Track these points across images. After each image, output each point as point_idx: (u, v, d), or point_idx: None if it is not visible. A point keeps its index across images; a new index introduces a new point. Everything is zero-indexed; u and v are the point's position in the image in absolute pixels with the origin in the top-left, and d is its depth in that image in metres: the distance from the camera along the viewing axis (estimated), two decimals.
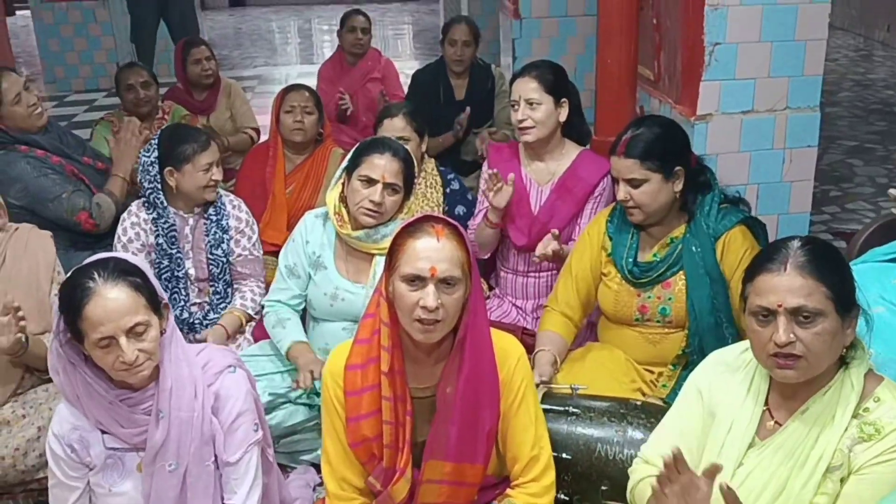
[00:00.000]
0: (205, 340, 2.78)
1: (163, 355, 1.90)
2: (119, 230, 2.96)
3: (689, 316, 2.47)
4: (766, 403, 1.79)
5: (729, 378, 1.84)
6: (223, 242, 2.99)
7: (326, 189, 3.51)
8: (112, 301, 1.81)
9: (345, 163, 2.70)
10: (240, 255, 3.03)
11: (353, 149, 2.71)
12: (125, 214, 3.00)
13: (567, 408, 2.22)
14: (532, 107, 2.92)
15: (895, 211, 2.59)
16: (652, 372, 2.57)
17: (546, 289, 3.08)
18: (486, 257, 3.16)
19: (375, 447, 1.95)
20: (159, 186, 2.92)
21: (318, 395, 2.51)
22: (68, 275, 1.90)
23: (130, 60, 4.79)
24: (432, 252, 1.83)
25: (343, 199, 2.67)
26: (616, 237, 2.57)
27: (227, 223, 3.01)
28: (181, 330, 2.19)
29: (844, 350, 1.71)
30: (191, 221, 2.98)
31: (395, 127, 3.28)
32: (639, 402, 2.28)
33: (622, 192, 2.46)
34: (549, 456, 2.01)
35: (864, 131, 6.49)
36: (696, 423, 1.86)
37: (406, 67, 6.16)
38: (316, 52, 11.18)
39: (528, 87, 2.93)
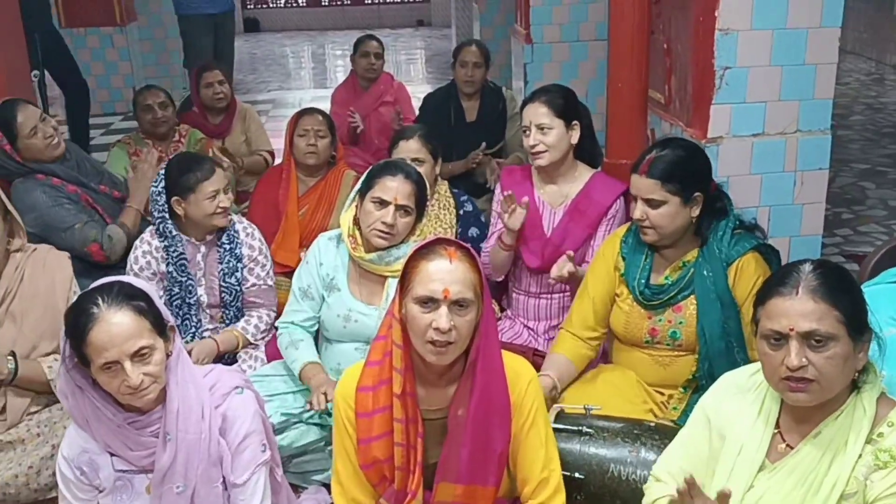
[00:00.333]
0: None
1: (169, 378, 1.91)
2: (131, 258, 2.98)
3: (699, 340, 2.46)
4: (777, 426, 1.78)
5: (739, 400, 1.84)
6: (237, 271, 3.00)
7: (339, 211, 3.55)
8: (116, 326, 1.82)
9: (358, 185, 2.72)
10: (253, 285, 3.04)
11: (366, 172, 2.73)
12: (137, 242, 3.02)
13: (580, 428, 2.22)
14: (543, 131, 2.94)
15: None
16: (662, 394, 2.56)
17: (558, 310, 3.08)
18: (499, 280, 3.17)
19: (387, 469, 1.95)
20: (167, 216, 2.94)
21: (330, 415, 2.52)
22: (73, 301, 1.93)
23: (148, 84, 4.87)
24: (445, 274, 1.84)
25: (356, 221, 2.69)
26: (630, 258, 2.57)
27: (241, 251, 3.02)
28: None
29: (857, 374, 1.70)
30: (203, 249, 2.99)
31: (410, 149, 3.30)
32: (652, 424, 2.27)
33: (639, 211, 2.45)
34: (559, 478, 2.01)
35: (876, 154, 6.48)
36: (705, 444, 1.86)
37: (418, 92, 6.20)
38: (329, 76, 11.28)
39: (539, 112, 2.95)
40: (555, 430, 2.12)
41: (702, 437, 1.87)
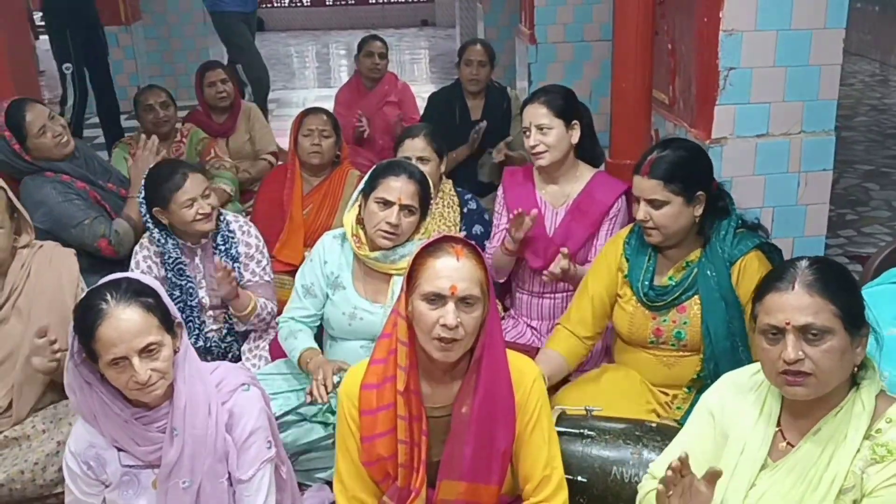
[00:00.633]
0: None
1: (177, 374, 1.93)
2: (133, 263, 2.99)
3: (704, 340, 2.46)
4: (779, 424, 1.79)
5: (741, 399, 1.85)
6: (234, 271, 2.98)
7: (343, 210, 3.55)
8: (124, 322, 1.84)
9: (361, 185, 2.73)
10: (249, 281, 3.03)
11: (370, 172, 2.74)
12: (137, 247, 3.03)
13: (582, 430, 2.22)
14: (543, 132, 2.94)
15: None
16: (667, 394, 2.56)
17: (561, 310, 3.08)
18: (502, 281, 3.17)
19: (390, 466, 1.95)
20: (151, 225, 2.95)
21: (333, 413, 2.53)
22: (82, 297, 1.94)
23: (150, 83, 4.88)
24: (452, 271, 1.85)
25: (360, 220, 2.70)
26: (633, 259, 2.57)
27: (237, 250, 3.02)
28: None
29: (855, 369, 1.72)
30: (199, 252, 2.99)
31: (416, 147, 3.31)
32: (654, 424, 2.28)
33: (642, 212, 2.46)
34: (560, 476, 2.01)
35: (880, 155, 6.47)
36: (707, 443, 1.87)
37: (422, 92, 6.21)
38: (333, 76, 11.27)
39: (538, 113, 2.96)
40: (557, 432, 2.12)
41: (705, 435, 1.88)
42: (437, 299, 1.85)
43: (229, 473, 1.98)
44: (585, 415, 2.29)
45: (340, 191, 3.73)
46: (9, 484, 2.43)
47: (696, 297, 2.47)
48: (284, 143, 4.97)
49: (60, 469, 2.39)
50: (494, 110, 4.52)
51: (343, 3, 15.01)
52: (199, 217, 2.89)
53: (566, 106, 2.99)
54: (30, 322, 2.55)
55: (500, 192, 3.22)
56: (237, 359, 3.06)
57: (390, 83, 5.09)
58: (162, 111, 4.31)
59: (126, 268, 3.03)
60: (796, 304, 1.66)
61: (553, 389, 2.55)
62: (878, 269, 2.56)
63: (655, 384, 2.57)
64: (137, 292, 1.88)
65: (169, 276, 2.95)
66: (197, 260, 2.99)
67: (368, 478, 1.98)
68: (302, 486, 2.65)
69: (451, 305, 1.84)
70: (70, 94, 5.79)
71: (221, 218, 3.03)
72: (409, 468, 1.94)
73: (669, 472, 1.67)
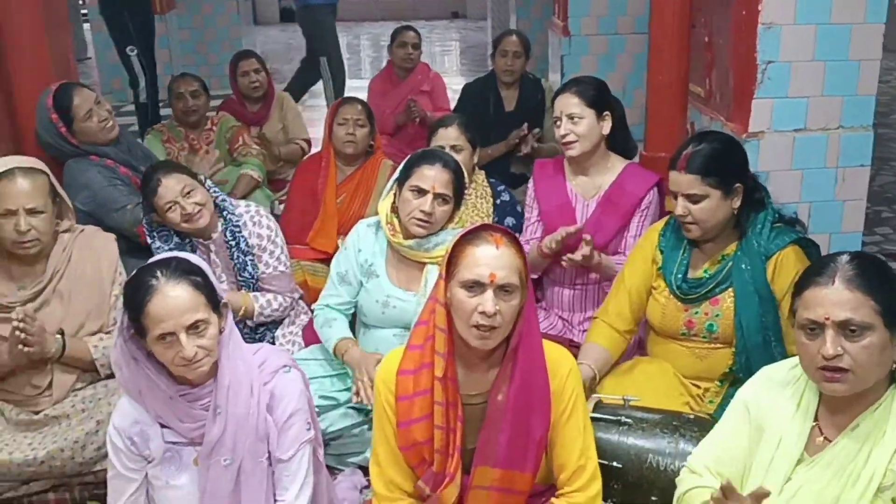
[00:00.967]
0: None
1: (221, 353, 1.96)
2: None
3: (736, 333, 2.46)
4: (816, 419, 1.78)
5: (778, 393, 1.84)
6: (247, 265, 3.00)
7: (376, 199, 3.58)
8: (173, 299, 1.87)
9: (396, 174, 2.75)
10: (264, 273, 3.04)
11: (405, 160, 2.76)
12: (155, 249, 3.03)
13: (619, 418, 2.23)
14: (574, 121, 2.94)
15: None
16: (699, 387, 2.56)
17: (593, 301, 3.09)
18: (535, 277, 3.18)
19: (426, 451, 1.97)
20: (158, 228, 2.98)
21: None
22: (133, 273, 1.97)
23: (183, 72, 4.93)
24: (492, 259, 1.87)
25: (394, 209, 2.72)
26: (667, 252, 2.57)
27: (249, 243, 3.00)
28: None
29: (894, 366, 1.71)
30: (213, 247, 3.00)
31: (449, 136, 3.33)
32: (692, 416, 2.28)
33: (680, 207, 2.45)
34: (595, 466, 2.02)
35: None
36: (743, 437, 1.87)
37: (453, 83, 6.21)
38: (363, 67, 11.29)
39: (570, 103, 2.95)
40: (593, 419, 2.14)
41: (740, 430, 1.87)
42: (475, 287, 1.86)
43: (269, 453, 2.01)
44: (622, 404, 2.30)
45: (373, 180, 3.75)
46: (49, 461, 2.48)
47: (729, 290, 2.47)
48: (314, 133, 5.03)
49: (99, 447, 2.46)
50: (528, 102, 4.52)
51: None
52: (185, 218, 2.87)
53: (598, 96, 2.99)
54: (70, 305, 2.60)
55: (530, 184, 3.23)
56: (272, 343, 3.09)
57: (423, 73, 5.14)
58: (192, 100, 4.36)
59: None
60: (836, 299, 1.66)
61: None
62: None
63: (687, 377, 2.57)
64: (186, 271, 1.92)
65: None
66: (212, 255, 2.99)
67: (404, 462, 2.00)
68: (334, 471, 2.69)
69: (489, 293, 1.85)
70: (140, 76, 5.81)
71: (226, 211, 2.99)
72: (445, 454, 1.96)
73: (716, 493, 1.67)
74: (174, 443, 2.00)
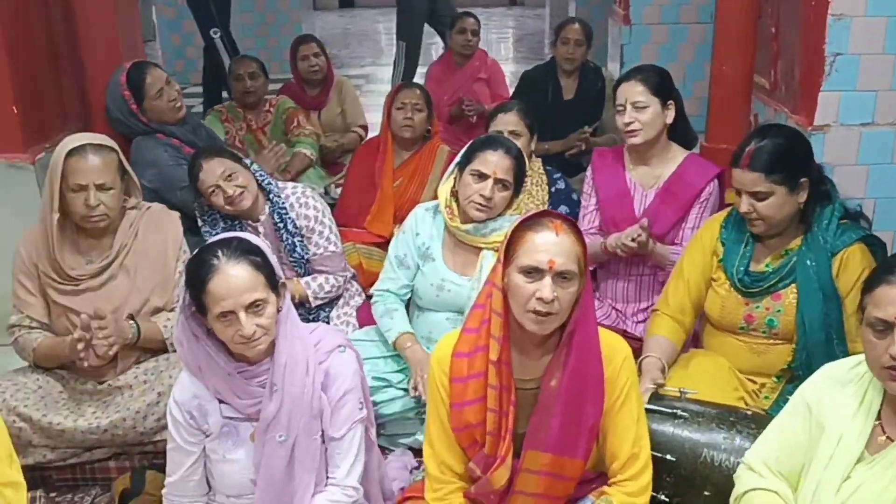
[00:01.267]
0: None
1: (278, 332, 2.00)
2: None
3: (797, 330, 2.42)
4: (879, 418, 1.75)
5: (839, 391, 1.81)
6: (296, 247, 3.04)
7: (432, 184, 3.60)
8: (234, 278, 1.91)
9: (458, 158, 2.76)
10: (315, 254, 3.08)
11: (467, 145, 2.77)
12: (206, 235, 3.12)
13: (675, 410, 2.21)
14: (638, 109, 2.92)
15: None
16: (755, 382, 2.52)
17: (647, 292, 3.07)
18: (592, 268, 3.17)
19: (478, 434, 1.99)
20: (207, 212, 3.08)
21: None
22: (195, 252, 2.02)
23: (243, 55, 4.99)
24: (551, 245, 1.87)
25: (454, 193, 2.73)
26: (729, 244, 2.54)
27: (297, 224, 3.04)
28: None
29: None
30: (261, 229, 3.04)
31: (508, 122, 3.34)
32: (749, 412, 2.25)
33: (745, 204, 2.41)
34: (647, 456, 2.01)
35: None
36: (802, 435, 1.84)
37: (508, 71, 6.19)
38: (420, 52, 11.31)
39: (635, 91, 2.93)
40: (648, 410, 2.12)
41: (800, 426, 1.85)
42: (534, 272, 1.86)
43: (323, 431, 2.04)
44: (679, 396, 2.28)
45: (430, 165, 3.77)
46: (111, 429, 2.56)
47: (792, 285, 2.42)
48: (372, 118, 5.06)
49: (160, 419, 2.53)
50: (588, 90, 4.49)
51: None
52: (227, 201, 2.95)
53: (662, 84, 2.95)
54: (136, 280, 2.67)
55: (588, 172, 3.21)
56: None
57: (481, 60, 5.12)
58: (249, 81, 4.42)
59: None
60: None
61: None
62: None
63: (743, 371, 2.53)
64: (247, 251, 1.96)
65: None
66: (261, 237, 3.01)
67: (457, 444, 2.02)
68: (385, 451, 2.73)
69: (548, 279, 1.85)
70: (225, 57, 5.86)
71: (272, 193, 3.04)
72: (497, 436, 1.97)
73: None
74: (231, 418, 2.05)
